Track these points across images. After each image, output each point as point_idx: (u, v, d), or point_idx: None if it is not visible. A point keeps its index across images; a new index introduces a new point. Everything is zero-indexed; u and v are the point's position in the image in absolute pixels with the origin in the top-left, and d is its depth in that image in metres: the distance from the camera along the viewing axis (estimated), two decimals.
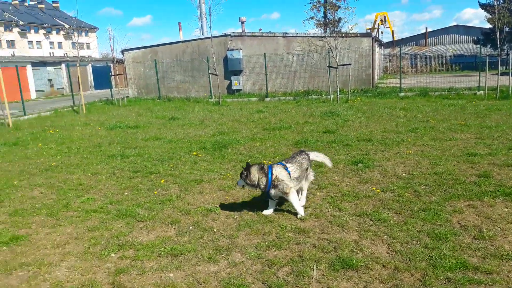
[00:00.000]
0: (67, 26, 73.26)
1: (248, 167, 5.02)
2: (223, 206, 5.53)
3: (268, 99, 21.37)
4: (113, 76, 24.95)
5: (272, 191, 4.98)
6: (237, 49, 23.95)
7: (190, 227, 4.87)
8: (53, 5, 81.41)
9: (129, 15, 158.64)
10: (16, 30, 65.26)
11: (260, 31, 25.48)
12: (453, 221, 4.65)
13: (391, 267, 3.73)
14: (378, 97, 19.17)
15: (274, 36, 24.26)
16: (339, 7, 48.62)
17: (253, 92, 23.85)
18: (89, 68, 39.56)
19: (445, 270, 3.59)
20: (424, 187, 5.93)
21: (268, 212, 5.16)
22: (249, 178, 4.99)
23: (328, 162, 5.75)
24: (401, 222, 4.72)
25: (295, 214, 5.10)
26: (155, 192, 6.26)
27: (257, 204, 5.58)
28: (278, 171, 4.98)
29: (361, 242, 4.29)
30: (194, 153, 8.91)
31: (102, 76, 37.89)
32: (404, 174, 6.63)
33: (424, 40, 51.34)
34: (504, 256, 3.79)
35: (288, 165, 5.10)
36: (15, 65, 21.85)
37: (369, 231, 4.53)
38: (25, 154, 9.62)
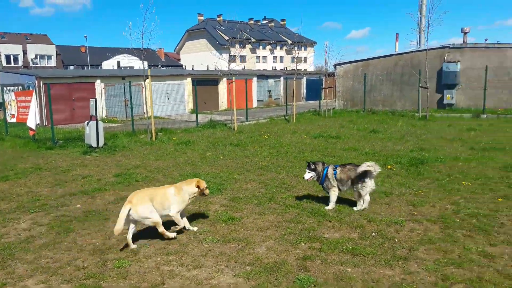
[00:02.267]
0: (289, 41, 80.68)
1: (315, 163, 6.53)
2: (409, 220, 5.71)
3: (484, 115, 19.43)
4: (327, 88, 26.63)
5: (324, 184, 6.45)
6: (454, 62, 22.46)
7: (373, 234, 5.27)
8: (281, 22, 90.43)
9: (348, 28, 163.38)
10: (248, 46, 75.34)
11: (486, 42, 23.22)
12: None
13: None
14: None
15: (501, 47, 21.83)
16: None
17: (467, 108, 21.94)
18: (303, 81, 42.87)
19: None
20: None
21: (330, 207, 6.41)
22: (316, 171, 6.44)
23: (375, 168, 6.15)
24: None
25: (487, 241, 4.94)
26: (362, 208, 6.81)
27: (445, 222, 5.55)
28: (329, 171, 6.43)
29: None
30: (389, 166, 9.10)
31: (314, 88, 40.49)
32: None
33: None
34: None
35: (338, 168, 6.45)
36: (245, 77, 25.73)
37: None
38: (244, 154, 11.51)
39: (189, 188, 5.40)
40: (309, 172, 6.47)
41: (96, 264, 4.63)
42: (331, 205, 6.38)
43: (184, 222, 5.47)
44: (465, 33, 24.78)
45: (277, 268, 4.38)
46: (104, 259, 4.76)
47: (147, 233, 5.41)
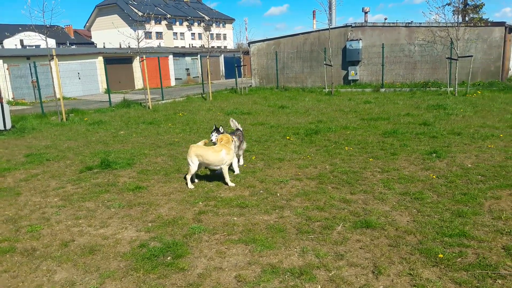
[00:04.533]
0: (207, 18, 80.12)
1: (217, 128, 7.56)
2: (293, 179, 6.76)
3: (383, 89, 21.55)
4: (241, 67, 27.42)
5: None
6: (356, 40, 24.35)
7: (261, 191, 6.24)
8: None
9: (267, 4, 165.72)
10: (164, 22, 73.58)
11: (385, 20, 25.40)
12: (484, 205, 5.20)
13: (402, 230, 4.60)
14: (504, 91, 17.99)
15: (396, 26, 24.05)
16: None
17: (370, 83, 24.08)
18: (221, 58, 43.39)
19: (444, 236, 4.36)
20: (479, 177, 6.35)
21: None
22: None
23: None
24: (436, 201, 5.42)
25: (349, 191, 6.12)
26: (245, 165, 7.76)
27: (321, 179, 6.68)
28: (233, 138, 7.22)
29: (391, 212, 5.16)
30: (288, 137, 10.21)
31: (232, 66, 41.34)
32: (469, 165, 7.01)
33: None
34: (505, 233, 4.35)
35: (234, 136, 7.34)
36: (158, 56, 25.72)
37: (403, 206, 5.35)
38: (157, 131, 12.02)
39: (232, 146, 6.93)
40: (217, 135, 7.20)
41: (10, 230, 5.08)
42: (238, 169, 7.36)
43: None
44: (365, 13, 26.88)
45: (175, 222, 5.15)
46: (17, 226, 5.21)
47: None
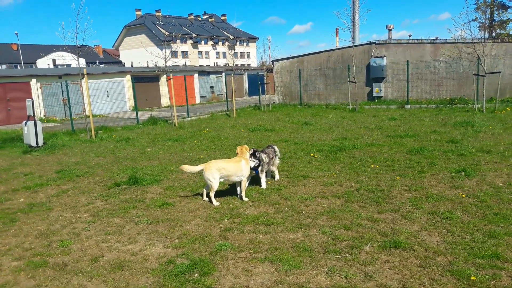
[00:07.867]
0: (231, 37, 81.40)
1: (259, 151, 7.43)
2: (318, 197, 6.72)
3: (408, 106, 21.30)
4: (265, 84, 27.72)
5: (259, 169, 7.28)
6: (380, 57, 24.27)
7: (286, 208, 6.23)
8: (221, 18, 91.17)
9: (291, 23, 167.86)
10: (189, 42, 75.14)
11: (410, 37, 25.25)
12: None
13: (431, 251, 4.50)
14: None
15: (420, 43, 23.91)
16: (509, 7, 43.99)
17: (395, 99, 23.87)
18: (245, 76, 43.87)
19: (476, 257, 4.24)
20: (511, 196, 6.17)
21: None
22: (260, 158, 7.22)
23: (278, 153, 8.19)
24: (466, 221, 5.28)
25: (376, 210, 6.04)
26: (269, 182, 7.76)
27: (347, 197, 6.62)
28: (262, 156, 7.33)
29: (420, 232, 5.06)
30: (312, 154, 10.18)
31: (256, 83, 41.70)
32: (500, 184, 6.83)
33: None
34: None
35: (262, 153, 7.43)
36: (186, 74, 26.25)
37: (432, 226, 5.24)
38: (183, 148, 12.19)
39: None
40: (254, 161, 7.14)
41: (42, 245, 5.23)
42: (266, 184, 7.50)
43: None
44: (389, 30, 26.74)
45: (201, 239, 5.19)
46: (49, 241, 5.36)
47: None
